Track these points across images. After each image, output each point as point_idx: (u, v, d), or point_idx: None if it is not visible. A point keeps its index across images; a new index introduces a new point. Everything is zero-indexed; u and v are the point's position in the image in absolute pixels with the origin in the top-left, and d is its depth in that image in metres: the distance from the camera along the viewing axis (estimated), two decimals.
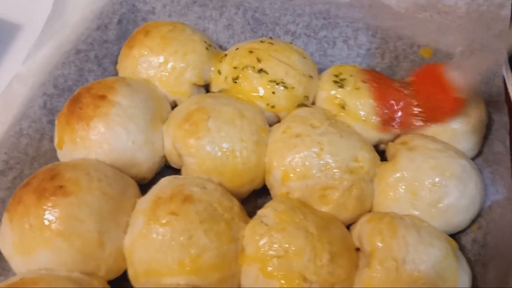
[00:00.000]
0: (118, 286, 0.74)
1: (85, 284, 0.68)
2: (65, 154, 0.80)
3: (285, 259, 0.71)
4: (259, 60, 0.87)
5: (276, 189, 0.82)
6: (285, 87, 0.87)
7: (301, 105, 0.88)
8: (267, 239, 0.72)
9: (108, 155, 0.78)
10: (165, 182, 0.77)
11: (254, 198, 0.87)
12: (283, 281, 0.70)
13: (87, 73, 0.96)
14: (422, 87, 0.87)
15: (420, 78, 0.88)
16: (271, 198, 0.85)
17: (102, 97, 0.80)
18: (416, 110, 0.86)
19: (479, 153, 0.92)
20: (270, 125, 0.87)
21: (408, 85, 0.89)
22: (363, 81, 0.88)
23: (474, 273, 0.79)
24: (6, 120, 0.89)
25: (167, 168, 0.88)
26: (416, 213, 0.79)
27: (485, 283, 0.77)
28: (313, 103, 0.91)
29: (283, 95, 0.87)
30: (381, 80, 0.90)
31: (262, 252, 0.72)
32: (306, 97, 0.89)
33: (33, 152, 0.85)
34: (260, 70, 0.87)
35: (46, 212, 0.69)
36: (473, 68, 0.83)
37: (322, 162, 0.78)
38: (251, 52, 0.88)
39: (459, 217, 0.80)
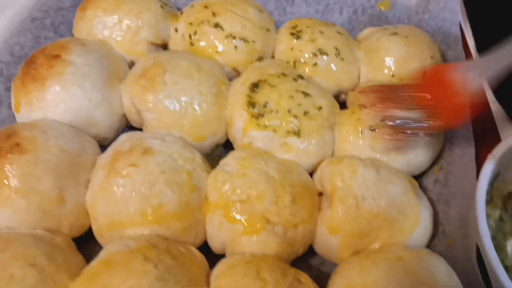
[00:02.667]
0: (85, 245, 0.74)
1: (48, 240, 0.68)
2: (22, 116, 0.79)
3: (247, 203, 0.71)
4: (214, 15, 0.87)
5: (238, 140, 0.82)
6: (243, 41, 0.87)
7: (260, 59, 0.88)
8: (229, 185, 0.72)
9: (65, 115, 0.77)
10: (124, 137, 0.77)
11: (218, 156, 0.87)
12: (246, 224, 0.70)
13: (43, 40, 0.94)
14: (427, 92, 0.76)
15: (426, 83, 0.78)
16: None
17: (56, 57, 0.79)
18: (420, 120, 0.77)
19: None
20: (230, 80, 0.87)
21: (412, 90, 0.78)
22: (363, 106, 0.81)
23: (437, 211, 0.80)
24: None
25: (129, 130, 0.87)
26: (377, 155, 0.80)
27: (448, 220, 0.79)
28: (272, 57, 0.91)
29: (241, 49, 0.87)
30: (382, 93, 0.81)
31: (224, 198, 0.72)
32: (264, 51, 0.89)
33: None
34: (216, 25, 0.87)
35: (4, 170, 0.69)
36: (486, 68, 0.73)
37: (281, 109, 0.79)
38: (206, 7, 0.88)
39: (419, 158, 0.81)
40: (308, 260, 0.79)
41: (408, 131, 0.77)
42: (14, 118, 0.84)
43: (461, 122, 0.77)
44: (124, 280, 0.61)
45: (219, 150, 0.86)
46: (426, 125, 0.76)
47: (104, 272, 0.63)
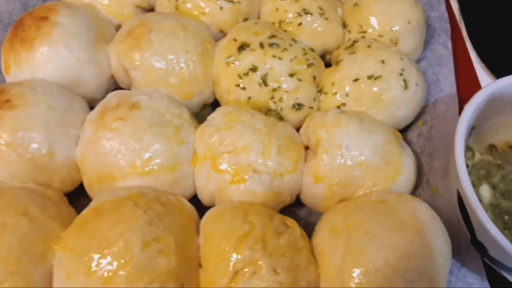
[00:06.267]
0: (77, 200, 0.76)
1: (39, 193, 0.70)
2: (12, 78, 0.80)
3: (234, 154, 0.73)
4: None
5: (225, 98, 0.83)
6: (228, 1, 0.88)
7: (245, 20, 0.90)
8: (216, 138, 0.74)
9: (53, 74, 0.78)
10: (111, 94, 0.78)
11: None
12: (233, 173, 0.72)
13: (31, 8, 0.95)
14: None
15: None
16: None
17: (44, 18, 0.80)
18: None
19: (423, 58, 0.95)
20: (217, 41, 0.88)
21: None
22: None
23: (421, 163, 0.82)
24: None
25: None
26: (362, 109, 0.81)
27: (432, 171, 0.81)
28: (258, 18, 0.93)
29: (227, 10, 0.88)
30: None
31: (212, 150, 0.74)
32: (249, 12, 0.90)
33: None
34: None
35: None
36: None
37: (267, 66, 0.80)
38: None
39: (402, 111, 0.83)
40: (295, 211, 0.81)
41: None
42: (3, 82, 0.86)
43: None
44: (115, 225, 0.63)
45: (207, 111, 0.88)
46: None
47: (94, 218, 0.64)
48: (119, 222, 0.63)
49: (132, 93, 0.77)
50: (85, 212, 0.67)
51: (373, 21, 0.90)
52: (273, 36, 0.83)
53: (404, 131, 0.87)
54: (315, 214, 0.80)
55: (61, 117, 0.74)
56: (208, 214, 0.71)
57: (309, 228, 0.74)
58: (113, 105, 0.74)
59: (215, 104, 0.88)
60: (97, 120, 0.73)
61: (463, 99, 0.88)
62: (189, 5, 0.88)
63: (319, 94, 0.84)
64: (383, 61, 0.82)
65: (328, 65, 0.90)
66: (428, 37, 0.97)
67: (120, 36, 0.82)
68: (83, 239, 0.63)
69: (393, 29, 0.89)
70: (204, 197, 0.76)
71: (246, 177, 0.72)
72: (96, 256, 0.61)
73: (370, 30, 0.90)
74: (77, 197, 0.76)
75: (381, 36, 0.89)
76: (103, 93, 0.85)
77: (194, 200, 0.77)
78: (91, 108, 0.83)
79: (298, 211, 0.81)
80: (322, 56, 0.91)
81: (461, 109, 0.86)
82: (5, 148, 0.70)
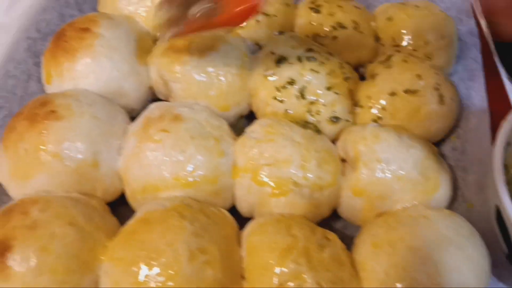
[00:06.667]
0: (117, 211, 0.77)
1: (84, 202, 0.71)
2: (54, 88, 0.82)
3: (275, 167, 0.74)
4: None
5: (261, 110, 0.84)
6: (265, 15, 0.89)
7: (281, 32, 0.91)
8: (256, 150, 0.75)
9: (95, 85, 0.80)
10: (153, 106, 0.80)
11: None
12: (274, 186, 0.73)
13: (68, 18, 0.97)
14: None
15: None
16: None
17: (86, 30, 0.81)
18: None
19: (454, 72, 0.96)
20: (252, 53, 0.89)
21: None
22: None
23: (456, 177, 0.83)
24: None
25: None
26: (398, 123, 0.82)
27: (467, 185, 0.82)
28: (292, 31, 0.94)
29: (263, 23, 0.89)
30: None
31: (252, 162, 0.74)
32: (284, 25, 0.92)
33: (21, 92, 0.87)
34: None
35: (40, 135, 0.71)
36: None
37: (304, 78, 0.81)
38: None
39: (437, 125, 0.84)
40: (331, 223, 0.82)
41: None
42: (43, 92, 0.87)
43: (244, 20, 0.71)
44: (163, 235, 0.64)
45: (242, 122, 0.89)
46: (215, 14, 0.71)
47: (143, 228, 0.65)
48: (166, 233, 0.64)
49: (173, 105, 0.78)
50: (132, 222, 0.68)
51: (407, 35, 0.91)
52: (310, 50, 0.84)
53: (438, 144, 0.88)
54: (351, 227, 0.80)
55: (105, 127, 0.75)
56: (250, 226, 0.71)
57: (345, 241, 0.74)
58: (156, 117, 0.75)
59: (249, 116, 0.89)
60: (140, 132, 0.74)
61: (492, 113, 0.89)
62: None
63: (354, 107, 0.84)
64: (419, 76, 0.83)
65: (361, 78, 0.91)
66: (458, 52, 0.97)
67: (160, 49, 0.84)
68: (131, 250, 0.64)
69: (427, 43, 0.90)
70: (243, 208, 0.77)
71: (287, 190, 0.72)
72: (144, 267, 0.62)
73: (403, 44, 0.91)
74: (117, 206, 0.77)
75: (415, 50, 0.90)
76: (142, 103, 0.86)
77: (231, 210, 0.78)
78: (130, 118, 0.84)
79: (333, 223, 0.82)
80: (355, 69, 0.92)
81: (492, 122, 0.87)
82: (51, 158, 0.71)
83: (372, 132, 0.77)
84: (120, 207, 0.77)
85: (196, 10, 0.73)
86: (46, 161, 0.71)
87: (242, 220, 0.75)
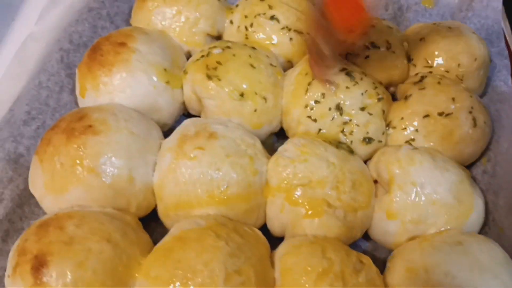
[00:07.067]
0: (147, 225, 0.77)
1: (119, 218, 0.71)
2: (88, 101, 0.82)
3: (309, 188, 0.73)
4: (270, 7, 0.90)
5: (293, 129, 0.84)
6: (298, 33, 0.89)
7: None
8: (290, 169, 0.75)
9: (131, 99, 0.80)
10: (188, 122, 0.80)
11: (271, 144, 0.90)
12: (308, 207, 0.73)
13: (100, 30, 0.97)
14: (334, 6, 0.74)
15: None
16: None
17: (122, 44, 0.82)
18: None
19: (484, 93, 0.96)
20: (284, 70, 0.89)
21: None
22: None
23: (487, 201, 0.82)
24: (22, 75, 0.90)
25: (185, 117, 0.90)
26: (431, 145, 0.82)
27: (498, 209, 0.81)
28: None
29: (296, 41, 0.89)
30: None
31: (286, 182, 0.74)
32: None
33: (54, 104, 0.87)
34: (272, 17, 0.89)
35: (77, 150, 0.71)
36: None
37: (339, 98, 0.81)
38: (262, 0, 0.91)
39: (470, 149, 0.84)
40: (360, 245, 0.81)
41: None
42: (76, 103, 0.88)
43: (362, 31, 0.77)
44: (199, 255, 0.64)
45: (271, 139, 0.89)
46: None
47: (179, 247, 0.65)
48: (203, 253, 0.64)
49: (208, 122, 0.78)
50: (167, 239, 0.68)
51: (440, 56, 0.90)
52: (343, 69, 0.84)
53: (468, 167, 0.87)
54: (381, 249, 0.80)
55: (140, 143, 0.75)
56: (283, 247, 0.71)
57: (376, 263, 0.74)
58: (191, 134, 0.75)
59: (279, 133, 0.89)
60: (176, 148, 0.74)
61: None
62: (259, 36, 0.89)
63: (387, 128, 0.84)
64: (453, 99, 0.83)
65: (392, 97, 0.90)
66: (489, 73, 0.97)
67: (195, 65, 0.84)
68: (167, 268, 0.64)
69: (460, 65, 0.89)
70: (274, 228, 0.77)
71: (320, 211, 0.72)
72: (180, 286, 0.62)
73: (436, 65, 0.91)
74: (147, 222, 0.77)
75: (447, 71, 0.89)
76: (174, 118, 0.86)
77: (261, 229, 0.77)
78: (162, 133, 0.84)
79: (363, 245, 0.82)
80: (386, 88, 0.92)
81: None
82: (87, 173, 0.71)
83: (407, 154, 0.77)
84: (150, 222, 0.77)
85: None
86: (82, 175, 0.71)
87: (272, 239, 0.75)
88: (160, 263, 0.65)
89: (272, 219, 0.76)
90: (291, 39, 0.89)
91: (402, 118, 0.84)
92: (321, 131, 0.81)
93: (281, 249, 0.71)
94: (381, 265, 0.74)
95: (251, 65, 0.83)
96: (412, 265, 0.69)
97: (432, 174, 0.75)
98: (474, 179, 0.85)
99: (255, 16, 0.90)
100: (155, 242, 0.72)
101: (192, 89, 0.84)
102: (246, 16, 0.91)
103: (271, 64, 0.85)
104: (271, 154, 0.81)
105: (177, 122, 0.88)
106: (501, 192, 0.83)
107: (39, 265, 0.63)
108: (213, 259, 0.63)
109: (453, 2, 1.08)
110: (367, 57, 0.90)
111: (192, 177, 0.72)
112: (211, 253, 0.64)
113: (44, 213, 0.76)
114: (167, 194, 0.73)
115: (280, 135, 0.89)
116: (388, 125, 0.85)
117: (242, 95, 0.81)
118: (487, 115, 0.85)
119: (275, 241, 0.75)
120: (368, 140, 0.81)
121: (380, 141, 0.83)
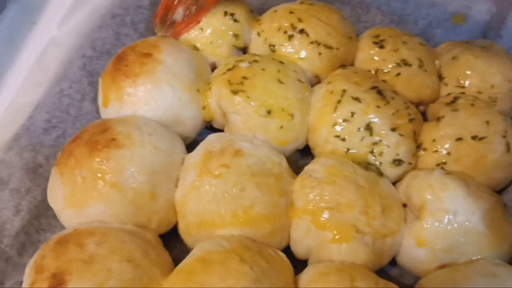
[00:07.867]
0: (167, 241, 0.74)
1: (140, 235, 0.68)
2: (111, 112, 0.80)
3: (337, 211, 0.71)
4: (300, 20, 0.87)
5: (320, 147, 0.82)
6: (328, 47, 0.87)
7: (342, 66, 0.88)
8: (317, 191, 0.72)
9: (155, 112, 0.78)
10: (213, 137, 0.77)
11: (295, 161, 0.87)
12: (335, 232, 0.70)
13: (124, 37, 0.96)
14: None
15: None
16: (311, 159, 0.84)
17: (148, 55, 0.79)
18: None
19: None
20: (311, 86, 0.87)
21: None
22: None
23: None
24: (43, 82, 0.89)
25: (207, 131, 0.88)
26: (463, 169, 0.79)
27: None
28: (352, 65, 0.91)
29: (325, 56, 0.87)
30: None
31: (313, 204, 0.72)
32: (346, 59, 0.89)
33: (75, 112, 0.86)
34: (301, 31, 0.87)
35: (99, 164, 0.69)
36: None
37: (368, 117, 0.78)
38: (291, 12, 0.88)
39: (503, 174, 0.81)
40: (387, 271, 0.79)
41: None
42: (97, 112, 0.86)
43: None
44: (223, 279, 0.61)
45: (296, 155, 0.86)
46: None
47: (202, 270, 0.63)
48: (227, 278, 0.61)
49: (234, 139, 0.75)
50: (189, 261, 0.65)
51: (473, 76, 0.87)
52: (374, 87, 0.81)
53: (499, 192, 0.84)
54: (408, 275, 0.77)
55: (164, 158, 0.73)
56: (309, 273, 0.68)
57: None
58: (217, 150, 0.73)
59: (303, 149, 0.86)
60: (200, 164, 0.72)
61: None
62: (287, 50, 0.87)
63: (418, 149, 0.81)
64: (487, 122, 0.80)
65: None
66: None
67: (221, 79, 0.81)
68: None
69: (493, 86, 0.86)
70: (299, 251, 0.74)
71: (348, 236, 0.70)
72: None
73: (468, 85, 0.88)
74: (166, 239, 0.75)
75: (480, 92, 0.86)
76: (196, 132, 0.84)
77: (284, 250, 0.75)
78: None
79: (389, 270, 0.79)
80: (416, 106, 0.89)
81: None
82: (109, 188, 0.69)
83: (439, 180, 0.74)
84: (170, 239, 0.75)
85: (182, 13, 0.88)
86: (104, 190, 0.69)
87: (295, 261, 0.72)
88: (183, 285, 0.62)
89: (296, 242, 0.74)
90: (320, 53, 0.86)
91: (433, 140, 0.81)
92: (350, 151, 0.79)
93: (306, 275, 0.68)
94: None
95: (279, 81, 0.80)
96: None
97: (465, 201, 0.72)
98: (504, 205, 0.82)
99: (284, 29, 0.87)
100: (174, 259, 0.70)
101: (217, 103, 0.81)
102: (274, 28, 0.88)
103: (299, 80, 0.83)
104: (295, 170, 0.78)
105: (200, 135, 0.86)
106: None
107: (57, 284, 0.61)
108: (237, 284, 0.61)
109: (484, 19, 1.05)
110: (398, 74, 0.87)
111: (216, 196, 0.70)
112: (235, 278, 0.61)
113: (62, 226, 0.74)
114: (190, 211, 0.71)
115: (304, 151, 0.87)
116: (418, 146, 0.82)
117: (269, 112, 0.78)
118: None
119: (298, 263, 0.72)
120: (398, 162, 0.79)
121: (410, 163, 0.80)
